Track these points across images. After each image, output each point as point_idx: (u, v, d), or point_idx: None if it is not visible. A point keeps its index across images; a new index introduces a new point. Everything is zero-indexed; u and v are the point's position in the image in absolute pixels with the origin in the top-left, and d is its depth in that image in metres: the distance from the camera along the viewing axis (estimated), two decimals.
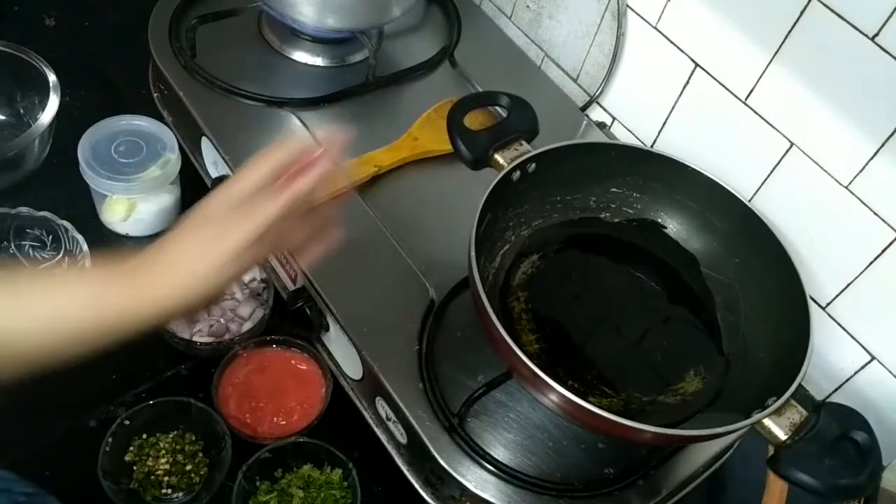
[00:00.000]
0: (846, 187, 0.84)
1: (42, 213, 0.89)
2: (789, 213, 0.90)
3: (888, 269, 0.84)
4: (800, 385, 0.68)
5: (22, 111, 1.01)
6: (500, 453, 0.75)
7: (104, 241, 0.96)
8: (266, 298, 0.90)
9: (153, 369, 0.87)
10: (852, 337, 0.90)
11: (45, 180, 0.99)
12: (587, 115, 1.08)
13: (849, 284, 0.88)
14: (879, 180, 0.81)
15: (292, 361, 0.87)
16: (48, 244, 0.91)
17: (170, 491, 0.79)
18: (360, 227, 0.88)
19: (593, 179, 0.87)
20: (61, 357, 0.56)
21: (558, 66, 1.13)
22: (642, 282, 0.86)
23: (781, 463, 0.64)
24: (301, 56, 1.04)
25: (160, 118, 1.00)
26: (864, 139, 0.81)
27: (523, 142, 0.81)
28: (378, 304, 0.82)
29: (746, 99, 0.90)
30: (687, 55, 0.95)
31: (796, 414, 0.66)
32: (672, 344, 0.82)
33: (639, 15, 0.99)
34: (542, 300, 0.83)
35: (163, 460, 0.79)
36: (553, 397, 0.67)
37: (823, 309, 0.91)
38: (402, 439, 0.78)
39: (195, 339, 0.86)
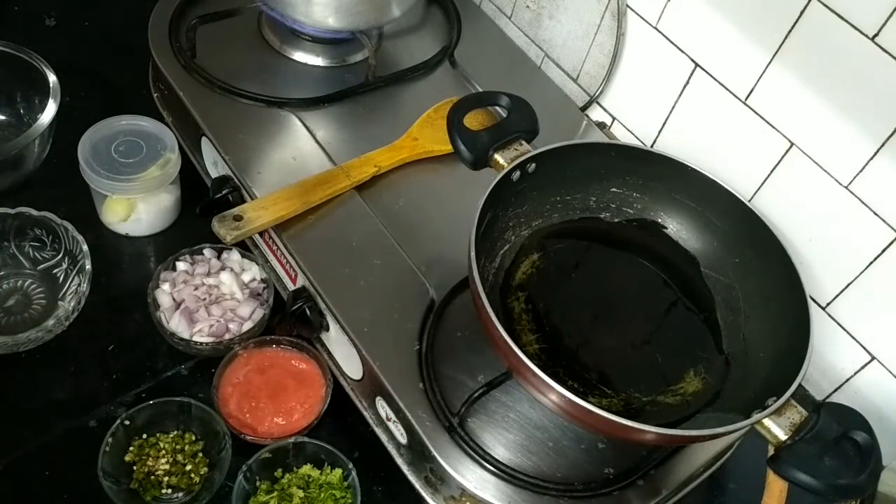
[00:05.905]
0: (846, 187, 0.84)
1: (42, 213, 0.89)
2: (789, 213, 0.90)
3: (888, 269, 0.84)
4: (800, 385, 0.68)
5: (22, 111, 1.01)
6: (500, 453, 0.75)
7: (104, 241, 0.96)
8: (266, 298, 0.90)
9: (153, 369, 0.87)
10: (852, 337, 0.90)
11: (45, 180, 0.99)
12: (587, 115, 1.08)
13: (849, 284, 0.88)
14: (879, 180, 0.81)
15: (292, 361, 0.87)
16: (48, 244, 0.91)
17: (170, 491, 0.79)
18: (360, 227, 0.88)
19: (593, 179, 0.87)
20: None
21: (558, 66, 1.13)
22: (642, 282, 0.86)
23: (781, 463, 0.64)
24: (301, 56, 1.04)
25: (160, 118, 1.00)
26: (864, 139, 0.81)
27: (523, 142, 0.81)
28: (378, 304, 0.82)
29: (746, 99, 0.90)
30: (687, 55, 0.95)
31: (796, 414, 0.66)
32: (672, 344, 0.82)
33: (639, 15, 0.99)
34: (542, 300, 0.83)
35: (163, 460, 0.79)
36: (553, 397, 0.67)
37: (823, 309, 0.91)
38: (402, 439, 0.78)
39: (195, 339, 0.86)
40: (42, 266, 0.91)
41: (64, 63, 0.99)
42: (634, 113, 1.06)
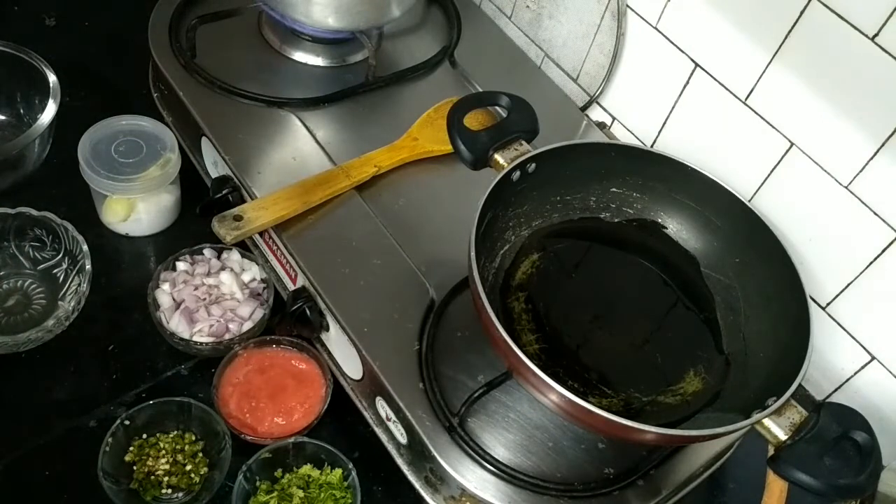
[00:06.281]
0: (846, 187, 0.84)
1: (42, 213, 0.89)
2: (789, 213, 0.90)
3: (888, 269, 0.84)
4: (800, 385, 0.68)
5: (22, 111, 1.01)
6: (500, 453, 0.75)
7: (104, 241, 0.96)
8: (266, 298, 0.90)
9: (153, 369, 0.87)
10: (852, 337, 0.90)
11: (45, 180, 0.98)
12: (587, 115, 1.08)
13: (849, 284, 0.88)
14: (879, 180, 0.81)
15: (292, 361, 0.87)
16: (48, 244, 0.91)
17: (170, 491, 0.79)
18: (360, 227, 0.88)
19: (593, 179, 0.87)
20: None
21: (558, 66, 1.13)
22: (642, 282, 0.86)
23: (781, 463, 0.64)
24: (301, 56, 1.04)
25: (160, 118, 1.00)
26: (864, 139, 0.81)
27: (523, 142, 0.81)
28: (378, 304, 0.82)
29: (746, 99, 0.90)
30: (687, 55, 0.95)
31: (796, 414, 0.66)
32: (672, 344, 0.82)
33: (639, 15, 0.99)
34: (542, 300, 0.83)
35: (163, 460, 0.79)
36: (553, 397, 0.67)
37: (823, 309, 0.91)
38: (402, 439, 0.78)
39: (195, 339, 0.86)
40: (42, 266, 0.91)
41: (64, 63, 0.99)
42: (634, 113, 1.06)
